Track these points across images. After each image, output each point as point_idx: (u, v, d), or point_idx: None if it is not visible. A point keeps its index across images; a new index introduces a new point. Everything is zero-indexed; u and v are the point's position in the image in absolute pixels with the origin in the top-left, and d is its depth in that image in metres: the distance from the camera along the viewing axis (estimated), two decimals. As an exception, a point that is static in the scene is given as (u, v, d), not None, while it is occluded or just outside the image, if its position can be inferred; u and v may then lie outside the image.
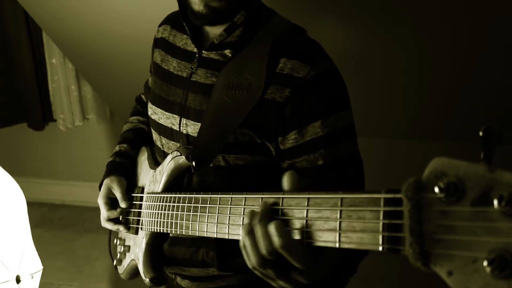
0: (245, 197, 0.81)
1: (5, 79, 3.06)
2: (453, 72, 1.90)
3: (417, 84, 2.00)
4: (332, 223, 0.63)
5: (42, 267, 1.14)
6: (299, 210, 0.69)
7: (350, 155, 1.03)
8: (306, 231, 0.68)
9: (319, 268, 0.76)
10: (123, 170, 1.32)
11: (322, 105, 0.99)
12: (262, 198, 0.77)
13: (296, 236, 0.70)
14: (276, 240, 0.70)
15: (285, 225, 0.71)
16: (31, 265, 1.11)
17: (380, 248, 0.55)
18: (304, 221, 0.68)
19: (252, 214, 0.76)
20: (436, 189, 0.48)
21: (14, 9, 2.87)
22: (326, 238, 0.64)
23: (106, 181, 1.29)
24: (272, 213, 0.73)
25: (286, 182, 0.74)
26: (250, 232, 0.74)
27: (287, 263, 0.71)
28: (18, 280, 1.05)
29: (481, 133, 0.46)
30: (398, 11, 1.71)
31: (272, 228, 0.71)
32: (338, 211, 0.63)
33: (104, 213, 1.29)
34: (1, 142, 3.39)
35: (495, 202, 0.42)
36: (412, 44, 1.82)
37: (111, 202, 1.30)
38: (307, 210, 0.68)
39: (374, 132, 2.20)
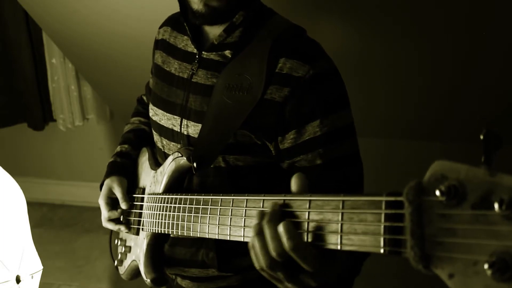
0: (247, 199, 0.81)
1: (5, 79, 3.06)
2: (453, 72, 1.90)
3: (417, 84, 2.00)
4: (333, 226, 0.64)
5: (42, 267, 1.14)
6: (300, 212, 0.69)
7: (349, 156, 1.02)
8: (307, 233, 0.68)
9: (330, 271, 0.74)
10: (124, 170, 1.32)
11: (321, 105, 0.99)
12: (263, 199, 0.76)
13: None
14: (285, 241, 0.67)
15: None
16: (31, 265, 1.10)
17: (382, 251, 0.55)
18: (306, 223, 0.68)
19: (262, 214, 0.73)
20: (437, 192, 0.48)
21: (14, 9, 2.87)
22: (328, 240, 0.64)
23: (107, 181, 1.30)
24: (281, 215, 0.71)
25: (294, 184, 0.72)
26: (260, 233, 0.72)
27: (297, 265, 0.69)
28: (18, 280, 1.05)
29: (481, 137, 0.46)
30: (398, 11, 1.71)
31: (281, 229, 0.68)
32: (340, 214, 0.63)
33: (105, 213, 1.29)
34: (1, 142, 3.39)
35: (496, 205, 0.43)
36: (412, 44, 1.82)
37: (112, 203, 1.30)
38: (309, 212, 0.68)
39: (374, 132, 2.20)
